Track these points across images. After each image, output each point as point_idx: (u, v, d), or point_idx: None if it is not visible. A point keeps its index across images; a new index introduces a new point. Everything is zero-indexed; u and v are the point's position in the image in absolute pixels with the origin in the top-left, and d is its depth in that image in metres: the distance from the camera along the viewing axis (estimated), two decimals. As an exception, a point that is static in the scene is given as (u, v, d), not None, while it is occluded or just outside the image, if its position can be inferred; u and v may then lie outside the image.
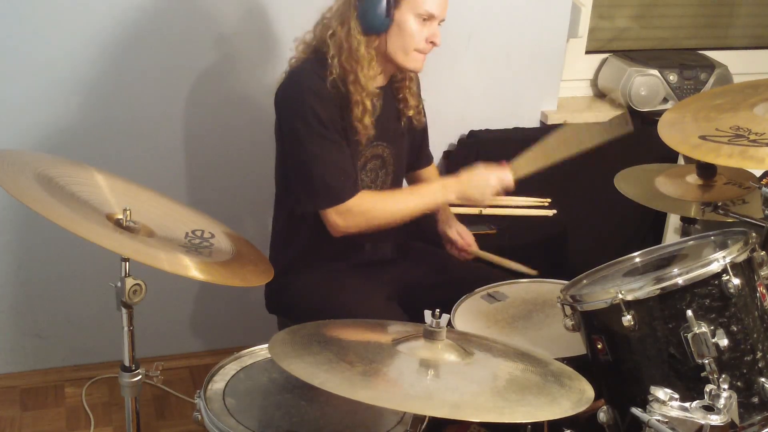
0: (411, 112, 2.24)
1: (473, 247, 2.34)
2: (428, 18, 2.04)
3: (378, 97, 2.12)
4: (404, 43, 2.05)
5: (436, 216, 2.35)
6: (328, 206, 2.07)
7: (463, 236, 2.34)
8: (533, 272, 2.23)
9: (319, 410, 1.67)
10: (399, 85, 2.21)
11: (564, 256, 2.99)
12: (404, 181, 2.40)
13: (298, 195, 2.13)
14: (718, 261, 1.62)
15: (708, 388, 1.48)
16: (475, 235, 2.37)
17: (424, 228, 2.37)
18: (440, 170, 2.95)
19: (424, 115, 2.33)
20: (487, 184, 2.13)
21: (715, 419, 1.41)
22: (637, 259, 1.87)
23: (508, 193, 2.19)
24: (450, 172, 2.63)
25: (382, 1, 1.99)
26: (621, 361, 1.69)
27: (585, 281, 1.84)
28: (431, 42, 2.07)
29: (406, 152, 2.31)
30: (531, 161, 2.18)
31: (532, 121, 3.06)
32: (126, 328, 1.68)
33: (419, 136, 2.38)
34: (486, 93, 2.97)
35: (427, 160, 2.47)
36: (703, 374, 1.59)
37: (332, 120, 2.05)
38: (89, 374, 2.83)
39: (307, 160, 2.05)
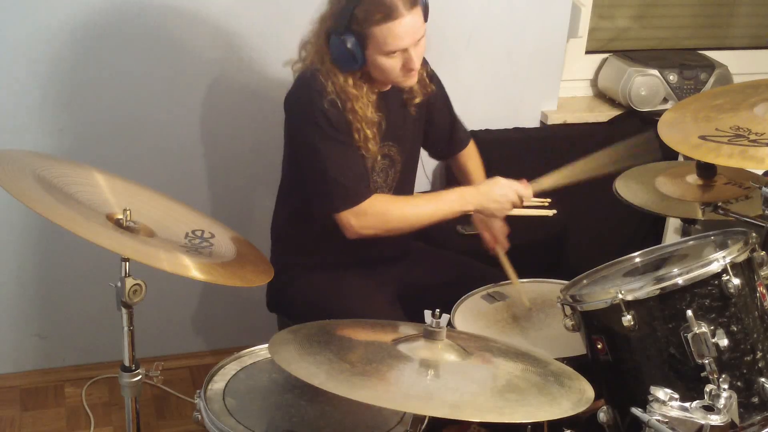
0: (418, 99, 2.20)
1: (498, 249, 2.27)
2: (399, 51, 1.99)
3: (380, 120, 2.10)
4: (385, 77, 2.05)
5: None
6: (345, 208, 2.05)
7: (494, 232, 2.26)
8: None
9: (319, 410, 1.67)
10: None
11: (564, 256, 2.99)
12: (414, 181, 2.37)
13: (312, 198, 2.13)
14: (718, 261, 1.62)
15: (708, 388, 1.48)
16: (474, 235, 2.37)
17: (424, 229, 2.36)
18: (440, 170, 2.96)
19: (436, 83, 2.26)
20: (507, 200, 2.10)
21: (715, 419, 1.41)
22: (637, 259, 1.86)
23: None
24: (450, 172, 2.62)
25: (344, 48, 1.98)
26: (621, 361, 1.69)
27: (585, 281, 1.84)
28: (408, 69, 2.02)
29: (417, 146, 2.30)
30: (553, 181, 2.17)
31: (532, 121, 3.06)
32: (126, 328, 1.68)
33: (444, 124, 2.34)
34: (486, 93, 2.97)
35: (460, 144, 2.41)
36: (703, 374, 1.59)
37: (342, 122, 2.05)
38: (89, 374, 2.83)
39: (321, 163, 2.05)
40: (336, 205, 2.06)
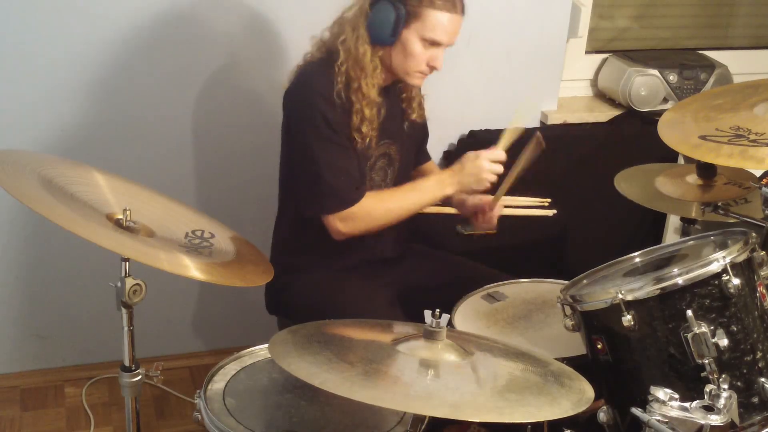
0: (415, 109, 2.23)
1: (495, 208, 2.23)
2: (434, 43, 2.04)
3: (380, 105, 2.11)
4: (406, 63, 2.06)
5: (450, 200, 2.28)
6: (333, 211, 2.07)
7: (482, 199, 2.24)
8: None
9: (319, 410, 1.67)
10: (403, 85, 2.21)
11: (564, 256, 2.99)
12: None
13: (302, 198, 2.13)
14: (718, 261, 1.62)
15: (708, 388, 1.48)
16: (474, 235, 2.37)
17: (424, 230, 2.36)
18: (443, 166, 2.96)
19: (424, 109, 2.32)
20: (481, 168, 2.12)
21: (715, 419, 1.41)
22: (637, 259, 1.87)
23: (509, 192, 2.18)
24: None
25: (391, 17, 1.99)
26: (621, 361, 1.69)
27: (585, 281, 1.85)
28: (431, 66, 2.07)
29: (412, 148, 2.31)
30: (508, 181, 2.17)
31: (532, 121, 3.06)
32: (126, 328, 1.68)
33: (420, 134, 2.38)
34: (486, 93, 2.96)
35: (426, 157, 2.47)
36: (703, 374, 1.59)
37: (341, 124, 2.05)
38: (89, 374, 2.83)
39: (314, 164, 2.05)
40: (325, 208, 2.08)
